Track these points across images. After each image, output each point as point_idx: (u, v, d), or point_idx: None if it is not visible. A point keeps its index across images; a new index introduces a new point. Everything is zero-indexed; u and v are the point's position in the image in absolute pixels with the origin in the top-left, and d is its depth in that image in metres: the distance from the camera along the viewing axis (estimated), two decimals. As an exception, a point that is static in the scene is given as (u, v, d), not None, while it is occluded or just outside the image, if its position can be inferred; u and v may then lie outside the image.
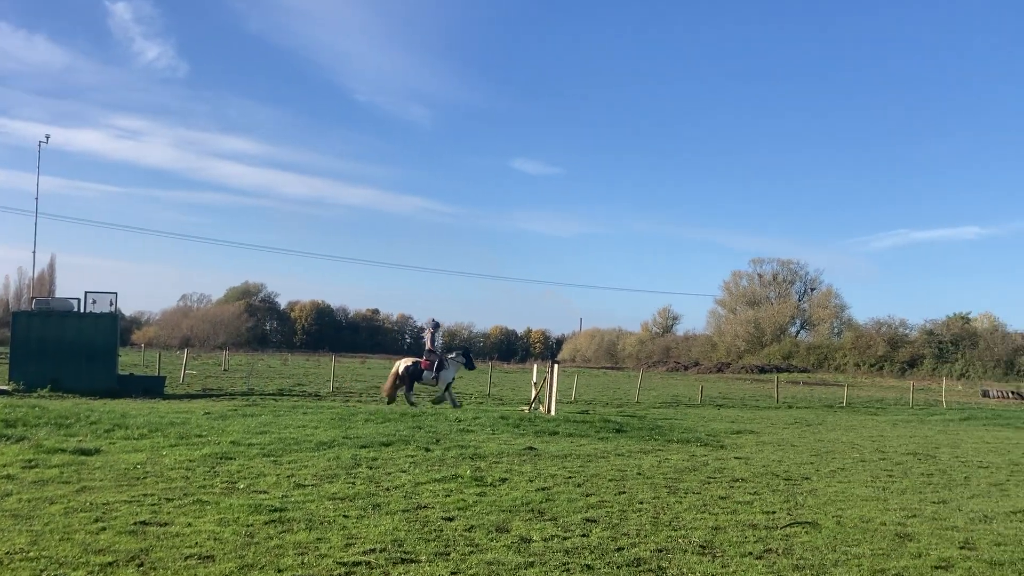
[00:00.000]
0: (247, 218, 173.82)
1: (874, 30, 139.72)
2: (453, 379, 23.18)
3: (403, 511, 7.82)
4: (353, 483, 9.22)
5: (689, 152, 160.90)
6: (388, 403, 22.07)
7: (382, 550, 6.38)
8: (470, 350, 26.05)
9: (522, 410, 20.80)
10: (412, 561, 6.14)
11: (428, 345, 23.24)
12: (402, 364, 22.86)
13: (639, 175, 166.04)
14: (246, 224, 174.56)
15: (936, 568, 6.53)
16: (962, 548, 7.24)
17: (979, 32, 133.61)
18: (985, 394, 50.44)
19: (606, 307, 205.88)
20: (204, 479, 9.18)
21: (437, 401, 22.46)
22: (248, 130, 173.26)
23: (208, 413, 16.75)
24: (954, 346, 75.63)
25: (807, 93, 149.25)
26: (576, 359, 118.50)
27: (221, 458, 10.68)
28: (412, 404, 21.74)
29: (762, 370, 78.91)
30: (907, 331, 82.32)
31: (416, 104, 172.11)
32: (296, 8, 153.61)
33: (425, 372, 22.36)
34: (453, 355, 23.46)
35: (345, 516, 7.49)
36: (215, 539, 6.52)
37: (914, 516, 8.69)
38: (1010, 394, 49.57)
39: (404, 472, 10.13)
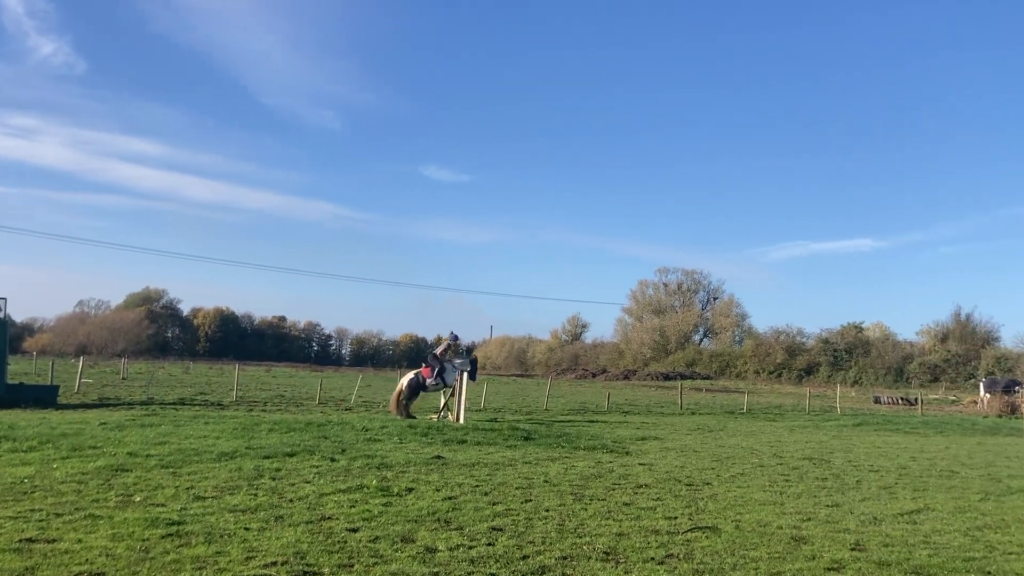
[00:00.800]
0: (148, 222, 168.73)
1: (775, 43, 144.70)
2: (453, 384, 22.27)
3: (306, 522, 7.69)
4: (255, 494, 9.02)
5: (598, 162, 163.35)
6: (404, 417, 21.14)
7: (284, 563, 6.25)
8: (476, 359, 24.87)
9: (431, 418, 20.71)
10: (315, 574, 6.03)
11: (437, 351, 22.72)
12: (405, 379, 22.53)
13: (549, 184, 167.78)
14: (147, 228, 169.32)
15: (828, 570, 6.76)
16: (853, 550, 7.52)
17: (872, 52, 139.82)
18: (876, 400, 52.66)
19: (517, 315, 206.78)
20: (98, 492, 8.83)
21: (443, 416, 21.56)
22: (149, 131, 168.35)
23: (104, 423, 16.14)
24: (848, 354, 78.77)
25: (711, 107, 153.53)
26: (486, 367, 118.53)
27: (117, 470, 10.31)
28: (411, 416, 21.24)
29: (667, 377, 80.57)
30: (804, 340, 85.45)
31: (325, 108, 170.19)
32: (201, 7, 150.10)
33: (428, 380, 22.03)
34: (458, 361, 22.64)
35: (246, 528, 7.32)
36: (107, 555, 6.27)
37: (809, 519, 9.00)
38: (899, 400, 51.89)
39: (308, 483, 9.96)
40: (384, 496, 9.26)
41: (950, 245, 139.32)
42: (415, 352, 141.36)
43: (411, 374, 22.67)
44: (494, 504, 9.09)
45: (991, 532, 8.67)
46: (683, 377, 78.23)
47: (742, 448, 17.15)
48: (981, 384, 50.51)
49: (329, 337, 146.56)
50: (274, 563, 6.24)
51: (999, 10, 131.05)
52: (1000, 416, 37.00)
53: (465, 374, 21.13)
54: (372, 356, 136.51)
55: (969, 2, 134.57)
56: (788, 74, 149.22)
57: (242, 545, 6.72)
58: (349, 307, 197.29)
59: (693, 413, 31.46)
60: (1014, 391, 42.19)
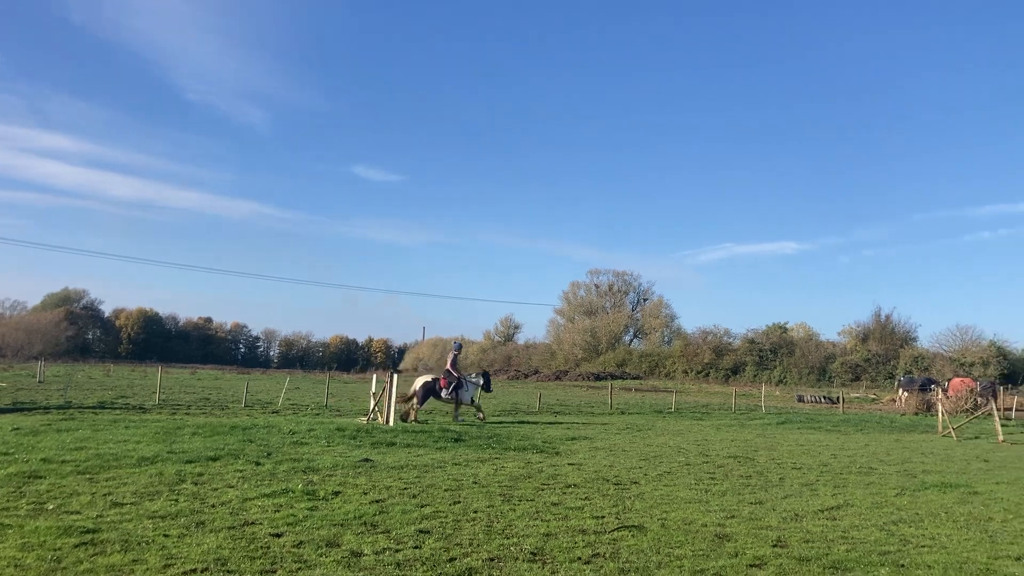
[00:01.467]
0: (68, 220, 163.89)
1: (702, 47, 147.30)
2: (471, 399, 24.22)
3: (229, 528, 7.51)
4: (176, 500, 8.79)
5: (531, 164, 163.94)
6: (403, 420, 21.76)
7: (204, 570, 6.10)
8: (489, 373, 27.14)
9: (360, 421, 20.49)
10: (236, 581, 5.90)
11: (448, 364, 24.01)
12: (420, 381, 23.64)
13: (482, 185, 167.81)
14: (67, 227, 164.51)
15: (751, 566, 6.88)
16: (775, 546, 7.67)
17: (791, 56, 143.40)
18: (800, 399, 53.97)
19: (449, 316, 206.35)
20: (7, 501, 8.49)
21: (455, 418, 23.17)
22: (69, 127, 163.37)
23: (17, 428, 15.56)
24: (773, 354, 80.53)
25: (638, 112, 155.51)
26: (419, 368, 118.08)
27: (29, 477, 9.94)
28: (420, 420, 22.02)
29: (598, 377, 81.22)
30: (731, 340, 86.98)
31: (252, 106, 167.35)
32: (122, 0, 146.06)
33: (443, 391, 23.36)
34: (473, 376, 24.85)
35: (165, 535, 7.11)
36: (16, 566, 6.03)
37: (733, 517, 9.15)
38: (822, 399, 53.28)
39: (232, 487, 9.75)
40: (310, 500, 9.12)
41: (871, 248, 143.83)
42: (345, 354, 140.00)
43: (428, 377, 23.76)
44: (422, 506, 9.02)
45: (906, 526, 8.94)
46: (613, 377, 79.02)
47: (669, 447, 17.38)
48: (899, 383, 52.20)
49: (257, 339, 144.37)
50: (193, 570, 6.08)
51: (912, 10, 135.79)
52: (917, 414, 38.27)
53: (395, 377, 21.04)
54: (301, 358, 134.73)
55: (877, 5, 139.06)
56: (710, 79, 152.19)
57: (160, 552, 6.54)
58: (277, 308, 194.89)
59: (623, 413, 31.77)
60: (930, 390, 43.66)
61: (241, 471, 11.02)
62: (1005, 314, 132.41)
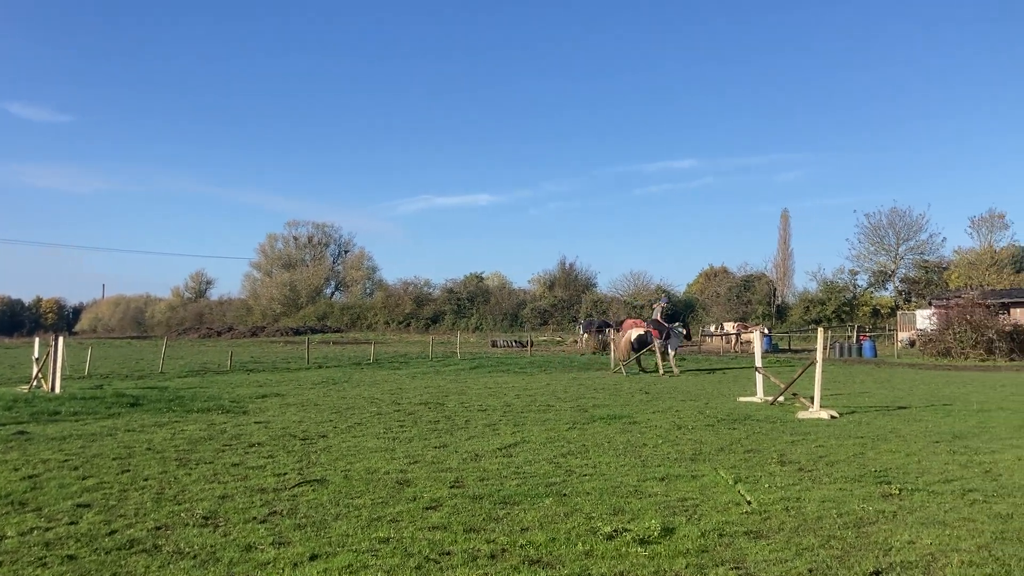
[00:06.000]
0: None
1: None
2: (677, 349, 26.87)
3: None
4: None
5: (221, 109, 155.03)
6: (626, 370, 25.78)
7: None
8: (687, 323, 29.72)
9: (20, 390, 18.47)
10: None
11: (656, 316, 27.35)
12: (634, 333, 26.54)
13: (165, 129, 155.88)
14: None
15: (427, 509, 7.07)
16: (452, 487, 7.95)
17: (494, 20, 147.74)
18: (494, 344, 56.74)
19: (133, 272, 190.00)
20: None
21: (665, 370, 25.58)
22: None
23: None
24: (470, 302, 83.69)
25: (336, 60, 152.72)
26: (98, 329, 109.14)
27: None
28: (641, 369, 25.90)
29: (297, 332, 79.79)
30: (431, 290, 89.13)
31: None
32: None
33: (656, 340, 26.00)
34: (677, 326, 27.96)
35: None
36: None
37: (416, 462, 9.37)
38: (513, 343, 56.37)
39: None
40: (-55, 483, 8.04)
41: (556, 201, 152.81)
42: (9, 316, 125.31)
43: (640, 330, 26.79)
44: (84, 479, 8.29)
45: (572, 458, 9.67)
46: (314, 331, 78.04)
47: (363, 398, 17.46)
48: (580, 325, 56.48)
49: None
50: None
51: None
52: (594, 353, 41.71)
53: (61, 340, 19.17)
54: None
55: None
56: (401, 37, 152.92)
57: None
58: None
59: (320, 367, 31.45)
60: (605, 331, 47.66)
61: None
62: (669, 260, 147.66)
